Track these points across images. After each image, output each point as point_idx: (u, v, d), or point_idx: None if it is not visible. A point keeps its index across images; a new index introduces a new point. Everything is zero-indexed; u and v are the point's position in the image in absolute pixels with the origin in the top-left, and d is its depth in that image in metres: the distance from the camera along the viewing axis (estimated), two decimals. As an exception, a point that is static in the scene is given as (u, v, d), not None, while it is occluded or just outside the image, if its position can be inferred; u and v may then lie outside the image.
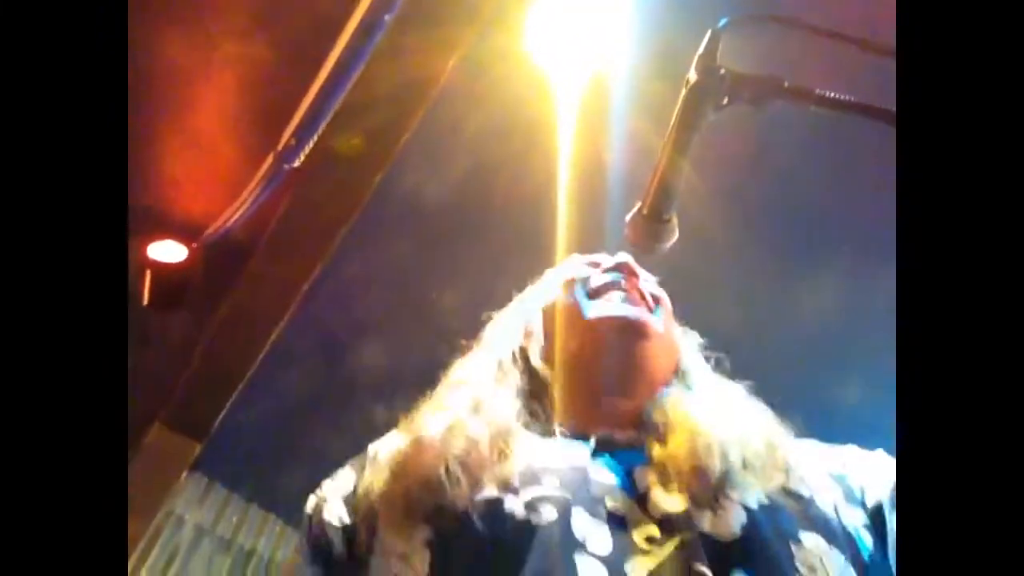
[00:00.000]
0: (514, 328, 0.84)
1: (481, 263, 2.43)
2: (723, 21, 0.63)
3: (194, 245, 2.16)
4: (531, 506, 0.58)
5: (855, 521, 0.61)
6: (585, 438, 0.67)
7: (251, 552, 3.87)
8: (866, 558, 0.58)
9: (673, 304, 0.82)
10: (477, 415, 0.69)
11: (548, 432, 0.70)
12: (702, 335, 0.86)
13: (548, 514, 0.57)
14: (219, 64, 1.74)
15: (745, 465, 0.61)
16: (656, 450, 0.63)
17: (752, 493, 0.59)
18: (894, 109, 0.51)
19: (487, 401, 0.71)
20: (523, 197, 2.18)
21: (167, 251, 2.18)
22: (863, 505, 0.63)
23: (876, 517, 0.61)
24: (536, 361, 0.78)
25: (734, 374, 0.81)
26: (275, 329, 2.38)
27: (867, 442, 0.71)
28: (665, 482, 0.60)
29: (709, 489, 0.58)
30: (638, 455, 0.64)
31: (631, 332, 0.74)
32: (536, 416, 0.72)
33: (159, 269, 2.18)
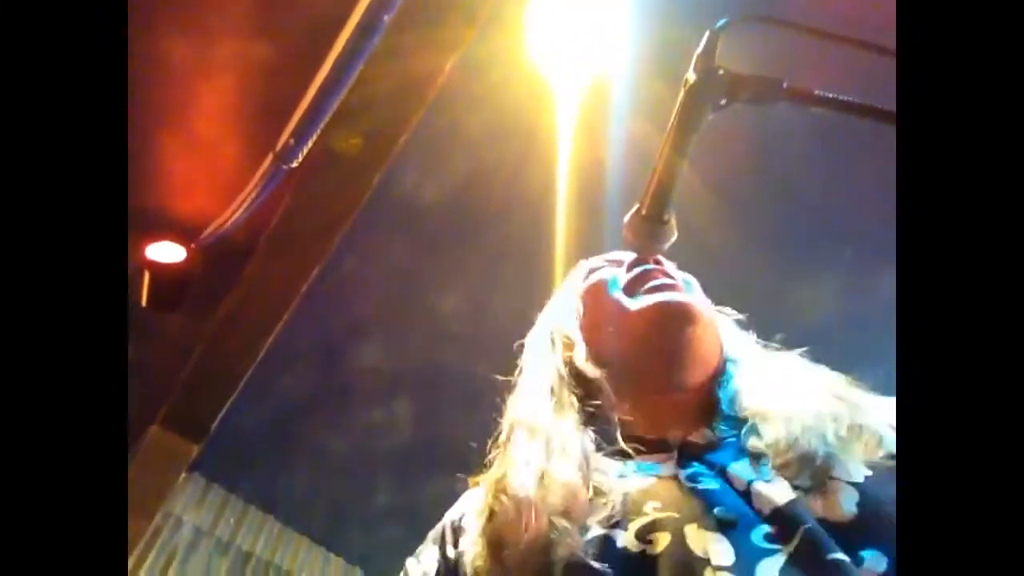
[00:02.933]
0: (552, 347, 0.80)
1: (480, 264, 2.43)
2: (722, 21, 0.63)
3: (192, 246, 2.16)
4: (642, 537, 0.56)
5: None
6: (662, 447, 0.65)
7: (249, 553, 3.86)
8: None
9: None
10: (558, 457, 0.65)
11: (621, 450, 0.67)
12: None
13: (662, 540, 0.55)
14: (218, 65, 1.74)
15: (844, 440, 0.59)
16: (752, 442, 0.61)
17: (855, 467, 0.57)
18: (894, 109, 0.51)
19: (557, 437, 0.68)
20: (522, 198, 2.17)
21: (165, 252, 2.18)
22: None
23: None
24: (585, 366, 0.75)
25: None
26: (274, 330, 2.38)
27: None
28: (764, 474, 0.58)
29: (817, 474, 0.56)
30: (725, 453, 0.62)
31: (679, 317, 0.72)
32: (606, 436, 0.69)
33: (157, 270, 2.18)
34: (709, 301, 0.80)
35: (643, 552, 0.55)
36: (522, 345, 0.85)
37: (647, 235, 0.69)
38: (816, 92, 0.60)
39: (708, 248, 2.15)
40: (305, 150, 1.66)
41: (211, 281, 2.26)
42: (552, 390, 0.75)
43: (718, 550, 0.53)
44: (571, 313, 0.81)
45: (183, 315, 2.36)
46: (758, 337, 0.81)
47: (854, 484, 0.56)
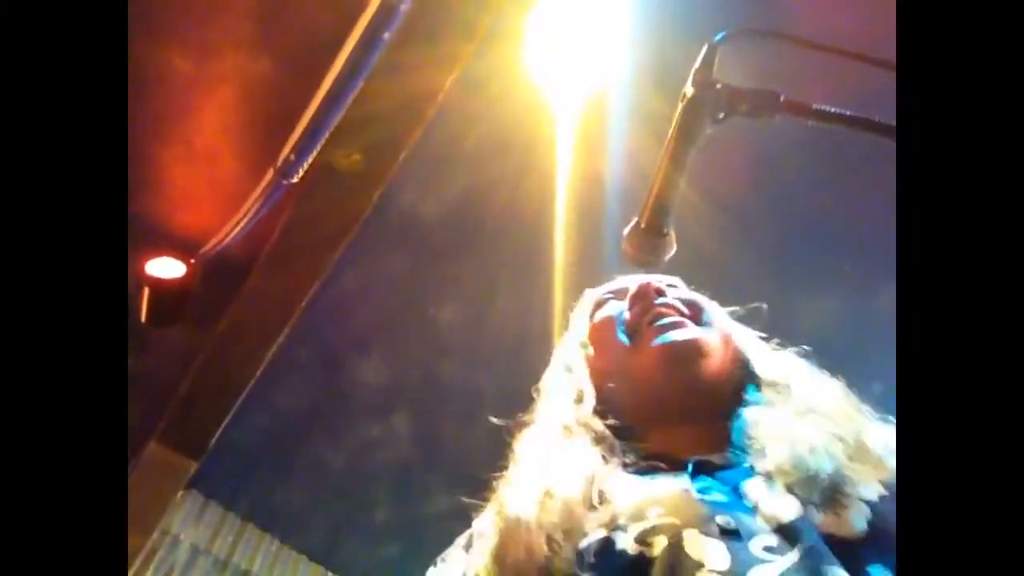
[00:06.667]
0: (566, 396, 0.80)
1: (479, 278, 2.43)
2: (719, 35, 0.64)
3: (192, 261, 2.16)
4: (641, 540, 0.57)
5: None
6: (677, 465, 0.66)
7: (247, 572, 3.83)
8: None
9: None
10: (560, 476, 0.67)
11: (642, 470, 0.68)
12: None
13: (659, 544, 0.56)
14: (218, 80, 1.75)
15: (852, 459, 0.60)
16: (761, 463, 0.62)
17: (868, 487, 0.58)
18: (892, 122, 0.51)
19: (564, 458, 0.69)
20: (521, 212, 2.18)
21: (165, 267, 2.18)
22: None
23: None
24: (592, 420, 0.75)
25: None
26: (273, 345, 2.38)
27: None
28: (774, 491, 0.59)
29: (825, 491, 0.57)
30: (741, 471, 0.63)
31: (685, 357, 0.72)
32: (623, 459, 0.70)
33: (157, 285, 2.18)
34: (723, 319, 0.80)
35: (640, 554, 0.56)
36: (537, 389, 0.85)
37: (646, 248, 0.69)
38: (814, 106, 0.60)
39: (707, 260, 2.15)
40: (305, 165, 1.67)
41: (211, 296, 2.25)
42: (564, 428, 0.75)
43: (714, 556, 0.54)
44: (581, 358, 0.82)
45: (182, 330, 2.36)
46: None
47: (867, 502, 0.57)
